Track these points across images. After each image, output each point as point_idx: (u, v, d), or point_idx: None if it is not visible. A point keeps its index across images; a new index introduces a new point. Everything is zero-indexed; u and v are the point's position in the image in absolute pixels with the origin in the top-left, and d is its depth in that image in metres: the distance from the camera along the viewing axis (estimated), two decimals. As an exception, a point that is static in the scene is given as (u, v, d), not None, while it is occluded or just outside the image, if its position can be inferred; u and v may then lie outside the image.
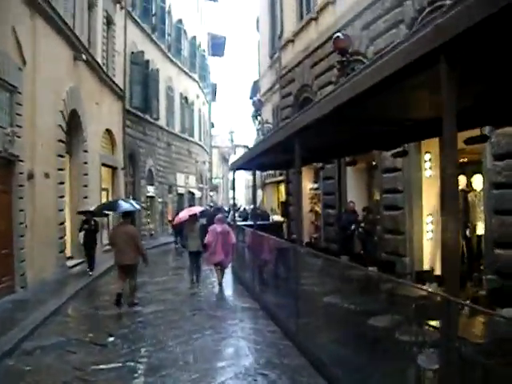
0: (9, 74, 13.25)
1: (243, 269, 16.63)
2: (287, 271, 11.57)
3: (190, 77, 44.28)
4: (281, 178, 28.32)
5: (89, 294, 14.70)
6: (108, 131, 25.12)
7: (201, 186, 48.91)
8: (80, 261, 19.47)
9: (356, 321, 7.81)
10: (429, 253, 13.74)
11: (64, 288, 14.67)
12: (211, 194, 58.74)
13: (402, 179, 13.97)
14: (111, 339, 9.65)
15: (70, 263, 18.46)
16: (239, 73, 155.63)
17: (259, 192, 66.91)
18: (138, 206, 19.34)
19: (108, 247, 24.27)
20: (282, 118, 23.75)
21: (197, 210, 19.30)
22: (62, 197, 17.45)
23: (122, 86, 27.27)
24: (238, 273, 17.33)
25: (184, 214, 18.32)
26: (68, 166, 19.48)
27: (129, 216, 14.22)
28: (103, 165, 23.92)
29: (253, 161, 14.32)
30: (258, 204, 53.59)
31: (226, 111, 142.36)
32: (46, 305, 12.26)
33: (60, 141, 17.22)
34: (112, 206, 18.70)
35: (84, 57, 19.45)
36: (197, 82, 46.64)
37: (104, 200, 24.12)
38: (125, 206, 16.84)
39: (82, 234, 17.82)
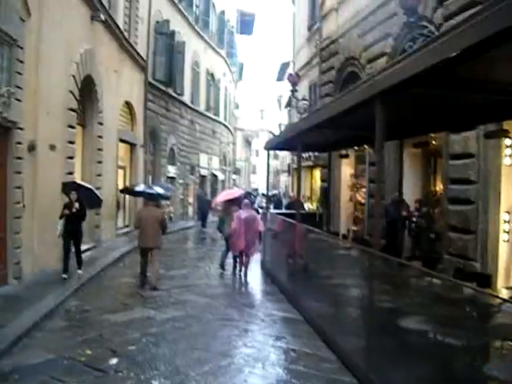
0: (7, 23, 10.94)
1: (277, 266, 14.25)
2: (347, 278, 9.28)
3: (218, 53, 41.88)
4: (311, 163, 25.89)
5: (95, 289, 12.41)
6: (127, 104, 22.89)
7: (224, 168, 46.65)
8: (90, 246, 17.36)
9: (464, 364, 5.51)
10: (504, 257, 11.37)
11: (66, 280, 12.42)
12: (234, 177, 56.54)
13: (475, 168, 11.56)
14: (114, 361, 7.30)
15: (77, 249, 16.29)
16: (267, 54, 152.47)
17: (284, 177, 65.09)
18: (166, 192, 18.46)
19: (123, 230, 22.37)
20: (321, 96, 21.37)
21: (236, 193, 17.17)
22: (71, 173, 15.16)
23: (144, 57, 24.96)
24: (269, 270, 14.92)
25: (222, 197, 16.70)
26: (80, 139, 17.27)
27: (153, 199, 14.43)
28: (121, 140, 21.70)
29: (295, 139, 11.92)
30: (283, 190, 51.49)
31: (252, 93, 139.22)
32: (39, 303, 10.01)
33: (71, 109, 14.95)
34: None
35: (102, 17, 17.12)
36: (224, 58, 44.25)
37: (120, 179, 22.04)
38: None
39: (61, 223, 12.77)
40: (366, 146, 16.61)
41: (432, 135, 13.25)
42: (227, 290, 13.13)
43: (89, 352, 7.67)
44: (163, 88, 28.57)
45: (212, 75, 40.31)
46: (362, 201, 18.80)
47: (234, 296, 12.27)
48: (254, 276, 14.74)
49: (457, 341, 5.83)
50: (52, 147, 13.51)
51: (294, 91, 23.57)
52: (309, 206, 23.83)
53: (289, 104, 45.00)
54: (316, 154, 22.91)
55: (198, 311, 10.41)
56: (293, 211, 15.14)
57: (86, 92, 17.09)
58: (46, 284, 11.68)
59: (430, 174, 15.36)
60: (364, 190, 18.69)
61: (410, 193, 15.49)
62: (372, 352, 6.65)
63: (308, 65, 24.94)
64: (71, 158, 15.15)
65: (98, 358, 7.42)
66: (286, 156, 60.40)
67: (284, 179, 67.80)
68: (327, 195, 18.71)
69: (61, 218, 12.69)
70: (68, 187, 13.22)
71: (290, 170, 34.04)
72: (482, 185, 11.40)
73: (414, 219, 14.39)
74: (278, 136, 15.66)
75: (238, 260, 14.84)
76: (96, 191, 14.48)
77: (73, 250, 13.18)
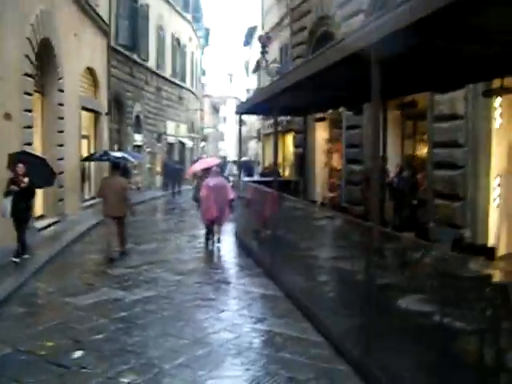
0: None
1: (253, 238, 13.49)
2: (332, 250, 8.55)
3: (183, 17, 40.64)
4: (282, 128, 25.02)
5: (59, 268, 11.55)
6: (89, 70, 21.71)
7: (192, 135, 45.59)
8: (54, 220, 16.43)
9: (471, 348, 4.86)
10: (496, 224, 10.73)
11: (27, 259, 11.50)
12: (202, 144, 55.59)
13: (463, 130, 10.86)
14: (78, 354, 6.47)
15: (40, 224, 15.36)
16: (233, 18, 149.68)
17: (253, 144, 64.23)
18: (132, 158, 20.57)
19: (89, 203, 21.40)
20: (292, 58, 20.47)
21: (213, 162, 16.59)
22: (29, 144, 14.13)
23: (106, 20, 23.70)
24: (244, 241, 14.17)
25: (198, 166, 16.65)
26: (39, 108, 16.21)
27: (118, 168, 14.08)
28: (83, 108, 20.59)
29: (269, 102, 11.06)
30: (252, 157, 50.65)
31: (219, 59, 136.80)
32: (-4, 287, 9.17)
33: (26, 75, 13.86)
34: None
35: (57, -26, 15.99)
36: (190, 23, 42.95)
37: (84, 149, 21.03)
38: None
39: (8, 201, 10.82)
40: (342, 109, 15.87)
41: (413, 96, 12.55)
42: (200, 264, 12.32)
43: (50, 344, 6.83)
44: (127, 53, 27.40)
45: (178, 40, 39.10)
46: (338, 167, 18.09)
47: (207, 271, 11.43)
48: (228, 248, 14.06)
49: (463, 323, 5.15)
50: (7, 116, 12.50)
51: (264, 53, 22.55)
52: (281, 174, 23.06)
53: (257, 68, 43.99)
54: (288, 118, 22.10)
55: (170, 290, 9.56)
56: (267, 179, 14.45)
57: (44, 57, 16.00)
58: (5, 265, 10.75)
59: (409, 138, 14.69)
60: (339, 155, 18.00)
61: (390, 157, 14.86)
62: (366, 335, 5.96)
63: (278, 26, 23.89)
64: (29, 127, 14.12)
65: (59, 351, 6.57)
66: (254, 122, 59.45)
67: (253, 146, 66.97)
68: (303, 161, 17.95)
69: (6, 195, 10.90)
70: (15, 159, 11.36)
71: (260, 137, 32.96)
72: (470, 148, 10.73)
73: (395, 185, 13.72)
74: (250, 100, 14.73)
75: (209, 230, 14.12)
76: (49, 163, 12.93)
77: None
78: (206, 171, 14.91)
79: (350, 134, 16.13)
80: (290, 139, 24.90)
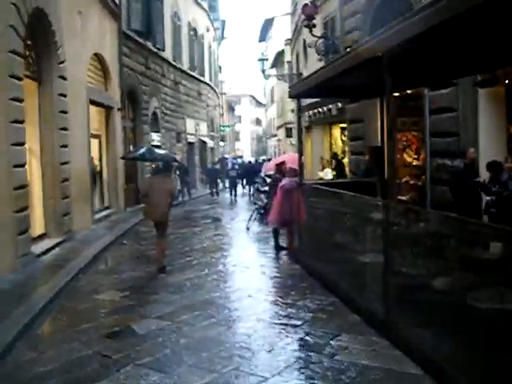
0: None
1: (336, 264, 9.66)
2: None
3: (199, 5, 37.11)
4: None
5: (59, 320, 7.95)
6: (98, 57, 18.25)
7: (212, 134, 42.06)
8: (57, 241, 13.01)
9: None
10: None
11: (19, 301, 8.03)
12: (222, 143, 52.26)
13: None
14: None
15: (39, 247, 11.96)
16: (247, 11, 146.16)
17: (272, 142, 60.72)
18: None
19: (102, 213, 18.03)
20: (345, 32, 16.86)
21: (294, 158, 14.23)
22: (21, 144, 10.71)
23: (116, 0, 20.25)
24: (313, 266, 10.28)
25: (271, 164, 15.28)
26: (35, 98, 12.83)
27: (169, 167, 13.39)
28: (92, 102, 17.10)
29: (349, 76, 7.43)
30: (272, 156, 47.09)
31: (234, 54, 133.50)
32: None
33: (14, 52, 10.42)
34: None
35: None
36: (206, 12, 39.45)
37: (95, 151, 17.69)
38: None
39: None
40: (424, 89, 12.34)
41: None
42: (262, 310, 8.28)
43: None
44: (141, 40, 23.87)
45: (195, 30, 35.56)
46: (414, 162, 14.44)
47: (278, 324, 7.45)
48: (292, 274, 10.50)
49: None
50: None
51: (310, 26, 18.55)
52: (327, 174, 19.41)
53: (276, 62, 40.46)
54: (339, 106, 18.52)
55: (231, 373, 5.74)
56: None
57: (39, 33, 12.64)
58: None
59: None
60: (414, 147, 14.40)
61: (490, 150, 11.32)
62: None
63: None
64: (19, 122, 10.64)
65: None
66: (273, 118, 56.39)
67: (273, 144, 63.81)
68: (380, 158, 14.18)
69: None
70: None
71: (301, 130, 28.58)
72: None
73: (494, 189, 9.92)
74: (311, 79, 10.77)
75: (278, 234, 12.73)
76: None
77: None
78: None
79: (437, 118, 12.54)
80: (337, 131, 21.48)
